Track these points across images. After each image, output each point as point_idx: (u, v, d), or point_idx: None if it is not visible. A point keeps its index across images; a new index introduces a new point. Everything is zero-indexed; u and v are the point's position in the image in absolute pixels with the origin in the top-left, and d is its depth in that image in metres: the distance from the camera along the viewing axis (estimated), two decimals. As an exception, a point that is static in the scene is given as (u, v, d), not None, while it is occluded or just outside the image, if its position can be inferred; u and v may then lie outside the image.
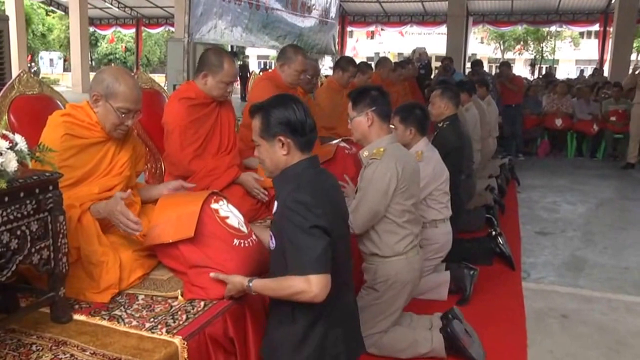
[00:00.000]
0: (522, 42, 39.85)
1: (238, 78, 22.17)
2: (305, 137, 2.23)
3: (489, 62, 44.67)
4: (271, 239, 2.24)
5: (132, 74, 2.75)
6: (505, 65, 10.52)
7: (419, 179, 3.32)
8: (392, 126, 3.90)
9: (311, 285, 2.05)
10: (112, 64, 41.76)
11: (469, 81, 7.33)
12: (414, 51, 11.98)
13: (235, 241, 2.42)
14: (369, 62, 7.10)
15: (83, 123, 2.53)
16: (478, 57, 42.22)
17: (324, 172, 2.35)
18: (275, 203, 2.25)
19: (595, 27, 20.84)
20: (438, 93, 4.94)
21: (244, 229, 2.53)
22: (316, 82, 4.74)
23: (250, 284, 2.24)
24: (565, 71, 39.50)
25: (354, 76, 5.72)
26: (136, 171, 2.78)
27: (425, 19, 21.42)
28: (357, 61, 6.26)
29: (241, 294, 2.33)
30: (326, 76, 9.56)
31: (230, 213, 2.52)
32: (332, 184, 2.36)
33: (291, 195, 2.13)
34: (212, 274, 2.34)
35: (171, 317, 2.19)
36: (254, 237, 2.55)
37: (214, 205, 2.50)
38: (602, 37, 19.32)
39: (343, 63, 5.61)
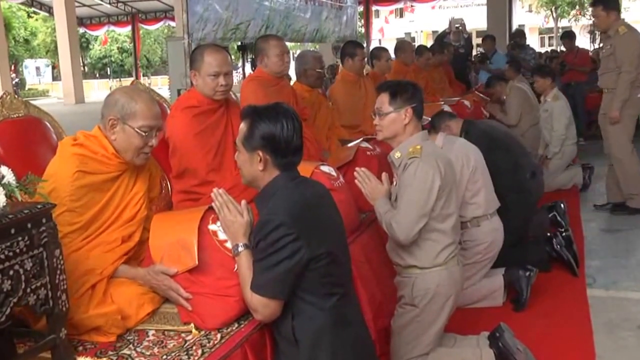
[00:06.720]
0: (578, 6, 39.03)
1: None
2: (286, 158, 2.37)
3: (539, 34, 44.21)
4: None
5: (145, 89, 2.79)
6: (567, 37, 10.48)
7: (457, 180, 3.38)
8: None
9: (253, 302, 2.27)
10: (108, 69, 42.37)
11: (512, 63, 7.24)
12: (450, 22, 11.88)
13: (236, 266, 2.48)
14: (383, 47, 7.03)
15: (97, 155, 2.57)
16: (527, 28, 41.85)
17: (305, 183, 2.46)
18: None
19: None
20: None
21: None
22: (323, 76, 4.80)
23: (239, 251, 2.40)
24: (638, 35, 38.46)
25: (364, 59, 5.69)
26: (151, 197, 2.82)
27: (462, -11, 21.36)
28: (386, 45, 6.30)
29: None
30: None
31: None
32: (318, 194, 2.46)
33: (265, 217, 2.28)
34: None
35: (185, 352, 2.27)
36: None
37: (211, 227, 2.58)
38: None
39: (349, 49, 5.60)
